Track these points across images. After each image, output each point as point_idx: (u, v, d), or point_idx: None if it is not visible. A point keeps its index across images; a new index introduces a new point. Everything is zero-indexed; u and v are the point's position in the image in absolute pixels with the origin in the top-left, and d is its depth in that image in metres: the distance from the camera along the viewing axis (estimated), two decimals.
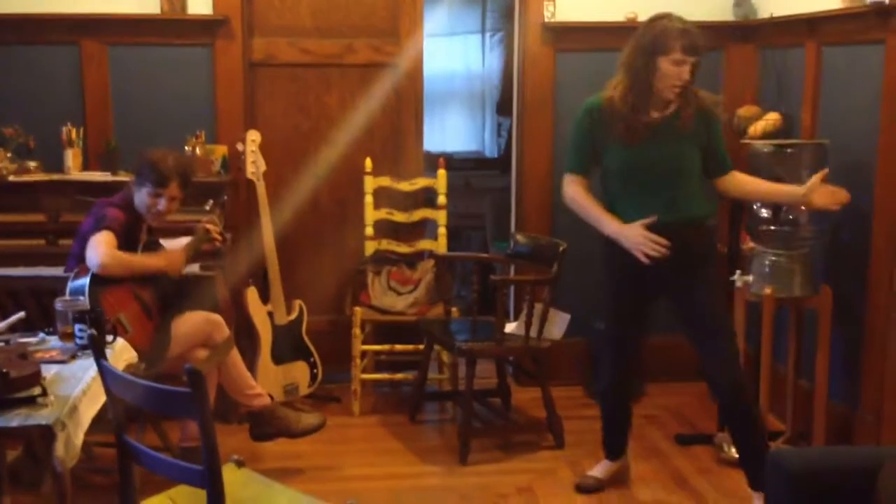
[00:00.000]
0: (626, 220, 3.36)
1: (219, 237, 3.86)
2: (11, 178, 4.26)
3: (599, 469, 3.76)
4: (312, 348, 4.50)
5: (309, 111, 4.74)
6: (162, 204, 3.59)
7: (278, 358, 4.40)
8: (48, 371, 2.66)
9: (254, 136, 4.41)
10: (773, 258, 3.83)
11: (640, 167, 3.37)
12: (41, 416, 2.37)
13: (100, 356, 2.40)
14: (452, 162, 7.55)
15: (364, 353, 4.54)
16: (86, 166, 4.46)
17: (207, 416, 2.19)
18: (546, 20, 4.62)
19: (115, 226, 3.47)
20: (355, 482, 3.77)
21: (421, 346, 4.43)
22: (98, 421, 2.68)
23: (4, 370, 2.40)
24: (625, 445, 3.80)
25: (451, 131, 8.36)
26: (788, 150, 3.82)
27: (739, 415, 3.44)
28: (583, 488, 3.70)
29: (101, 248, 3.37)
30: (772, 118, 4.26)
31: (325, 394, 4.61)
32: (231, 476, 2.70)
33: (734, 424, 3.54)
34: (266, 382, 4.30)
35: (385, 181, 4.64)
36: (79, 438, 2.47)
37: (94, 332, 2.74)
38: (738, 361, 3.49)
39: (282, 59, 4.68)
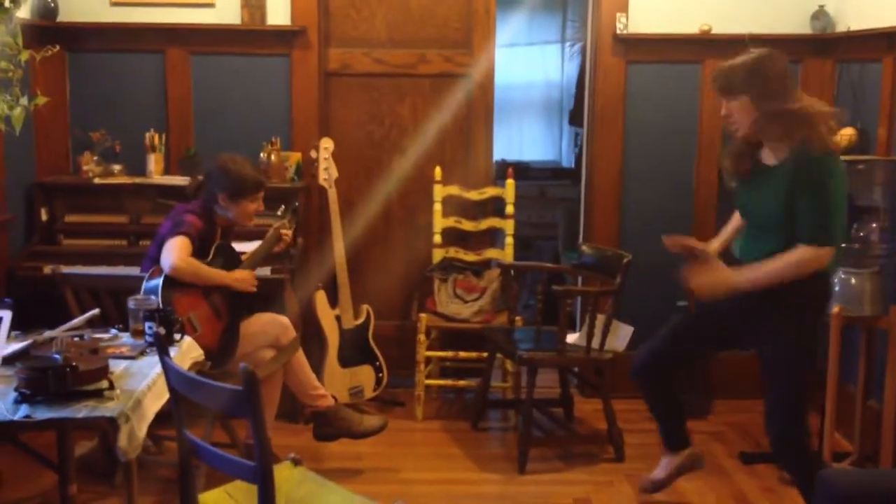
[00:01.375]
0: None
1: (289, 238, 3.98)
2: (97, 180, 4.46)
3: (660, 469, 3.66)
4: (378, 352, 4.59)
5: (382, 120, 4.84)
6: (260, 203, 3.81)
7: (345, 361, 4.50)
8: (117, 366, 2.80)
9: (327, 144, 4.52)
10: (843, 276, 3.76)
11: (741, 207, 3.38)
12: (107, 409, 2.49)
13: (164, 353, 2.51)
14: (529, 171, 7.59)
15: (429, 359, 4.61)
16: (167, 170, 4.64)
17: (260, 415, 2.27)
18: (618, 31, 4.63)
19: (191, 231, 3.60)
20: (413, 485, 3.83)
21: (485, 354, 4.48)
22: (169, 416, 2.80)
23: (74, 363, 2.53)
24: (681, 435, 3.67)
25: (528, 140, 8.39)
26: (860, 167, 3.75)
27: (782, 462, 3.47)
28: (643, 489, 3.69)
29: (175, 253, 3.50)
30: (847, 133, 4.19)
31: (389, 398, 4.69)
32: (287, 473, 2.80)
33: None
34: (332, 384, 4.41)
35: (454, 190, 4.71)
36: (142, 431, 2.59)
37: (161, 329, 2.87)
38: (785, 418, 3.25)
39: (356, 68, 4.78)
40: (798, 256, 3.03)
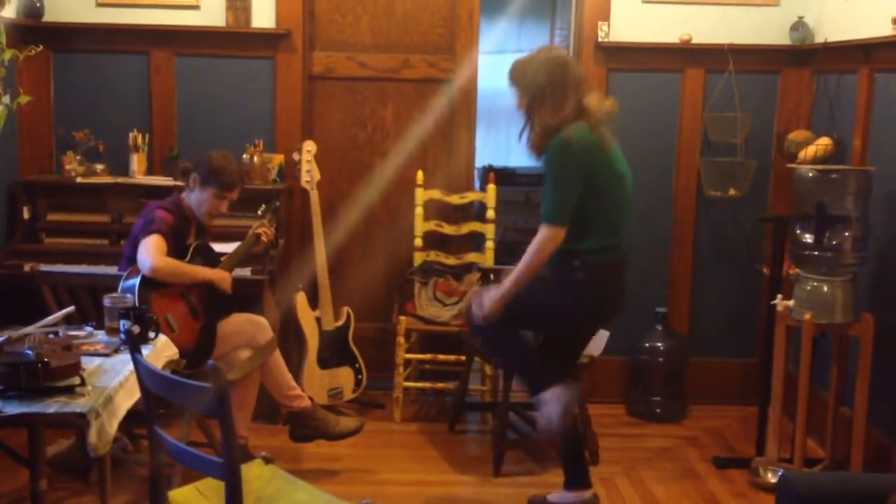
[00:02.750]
0: None
1: (268, 238, 3.99)
2: (79, 179, 4.49)
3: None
4: (358, 354, 4.62)
5: (365, 123, 4.87)
6: (224, 206, 3.81)
7: (324, 362, 4.53)
8: (91, 363, 2.82)
9: (309, 147, 4.55)
10: (815, 283, 3.80)
11: None
12: (77, 405, 2.51)
13: (135, 350, 2.54)
14: (515, 177, 7.63)
15: (408, 362, 4.64)
16: (150, 171, 4.66)
17: (227, 412, 2.29)
18: (599, 39, 4.67)
19: (164, 228, 3.63)
20: (389, 486, 3.86)
21: (463, 357, 4.51)
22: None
23: (46, 359, 2.55)
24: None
25: (516, 147, 8.40)
26: (833, 176, 3.79)
27: None
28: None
29: (152, 253, 3.52)
30: (823, 143, 4.24)
31: (369, 400, 4.71)
32: (257, 471, 2.82)
33: None
34: (311, 386, 4.44)
35: (435, 194, 4.74)
36: (112, 427, 2.61)
37: (134, 327, 2.90)
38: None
39: (340, 72, 4.82)
40: (536, 239, 3.31)
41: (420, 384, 4.72)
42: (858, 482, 2.48)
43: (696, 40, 4.64)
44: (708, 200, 4.72)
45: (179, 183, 4.36)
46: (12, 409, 2.48)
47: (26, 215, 4.44)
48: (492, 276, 4.62)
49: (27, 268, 4.04)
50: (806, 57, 4.63)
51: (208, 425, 3.90)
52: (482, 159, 7.46)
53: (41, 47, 3.80)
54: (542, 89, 3.34)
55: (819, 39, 4.52)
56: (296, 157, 4.57)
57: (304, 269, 4.63)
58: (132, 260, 3.59)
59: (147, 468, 3.84)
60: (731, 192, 4.61)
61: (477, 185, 5.77)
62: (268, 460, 2.89)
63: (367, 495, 3.72)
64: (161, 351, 3.10)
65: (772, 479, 3.90)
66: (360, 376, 4.63)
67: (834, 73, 4.39)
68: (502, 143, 8.34)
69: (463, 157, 4.93)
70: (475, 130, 4.93)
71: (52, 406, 2.50)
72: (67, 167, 4.52)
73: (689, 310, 4.87)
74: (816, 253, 3.79)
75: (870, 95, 4.06)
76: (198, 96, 4.71)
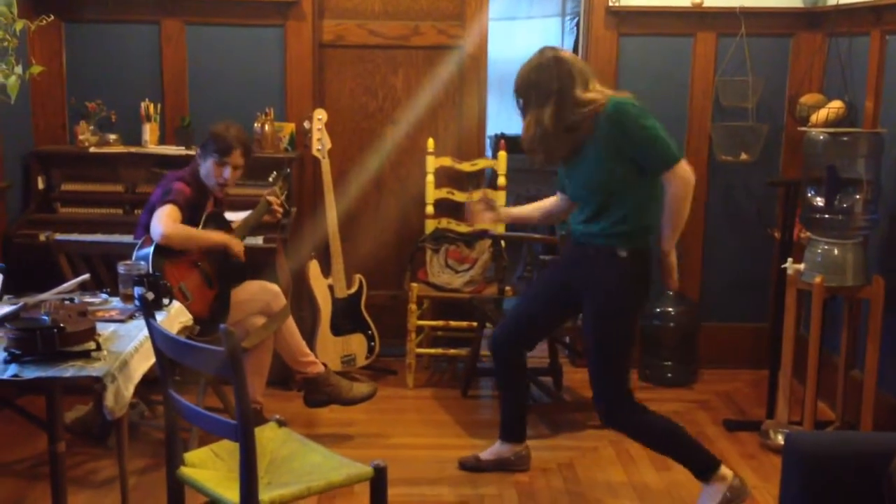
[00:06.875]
0: None
1: (279, 208, 4.02)
2: (93, 149, 4.52)
3: (489, 452, 3.74)
4: (370, 321, 4.66)
5: (375, 91, 4.87)
6: (227, 172, 3.79)
7: (337, 329, 4.57)
8: (106, 329, 2.86)
9: (320, 115, 4.57)
10: (826, 246, 3.80)
11: (566, 187, 3.59)
12: (93, 369, 2.55)
13: (150, 315, 2.58)
14: None
15: (420, 329, 4.67)
16: (162, 140, 4.69)
17: (240, 374, 2.33)
18: (611, 4, 4.65)
19: (180, 199, 3.66)
20: (401, 450, 3.90)
21: (475, 324, 4.54)
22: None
23: (62, 325, 2.59)
24: (517, 429, 3.74)
25: None
26: (844, 139, 3.78)
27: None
28: (463, 465, 3.75)
29: (164, 221, 3.56)
30: (835, 106, 4.22)
31: (382, 366, 4.76)
32: (272, 434, 2.87)
33: None
34: (325, 353, 4.48)
35: (446, 161, 4.75)
36: (129, 391, 2.65)
37: (148, 293, 2.93)
38: (599, 387, 3.40)
39: (350, 40, 4.81)
40: (673, 185, 3.12)
41: (432, 350, 4.76)
42: (864, 442, 2.50)
43: (707, 4, 4.61)
44: (719, 165, 4.71)
45: (192, 153, 4.40)
46: (29, 373, 2.52)
47: (41, 185, 4.48)
48: (502, 244, 4.64)
49: (42, 237, 4.08)
50: (818, 19, 4.60)
51: (223, 391, 3.96)
52: (495, 127, 7.43)
53: (52, 17, 3.81)
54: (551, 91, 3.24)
55: (831, 1, 4.48)
56: (307, 125, 4.58)
57: (316, 237, 4.66)
58: (148, 228, 3.62)
59: (164, 432, 3.93)
60: (743, 156, 4.60)
61: (489, 152, 5.78)
62: (281, 423, 2.93)
63: (380, 458, 3.76)
64: (175, 317, 3.14)
65: (782, 441, 3.92)
66: (372, 343, 4.67)
67: (846, 36, 4.36)
68: (514, 111, 8.31)
69: (474, 125, 4.93)
70: (486, 97, 4.92)
71: (68, 370, 2.54)
72: (81, 137, 4.55)
73: (700, 274, 4.88)
74: (827, 216, 3.79)
75: (882, 58, 4.03)
76: (209, 65, 4.72)
